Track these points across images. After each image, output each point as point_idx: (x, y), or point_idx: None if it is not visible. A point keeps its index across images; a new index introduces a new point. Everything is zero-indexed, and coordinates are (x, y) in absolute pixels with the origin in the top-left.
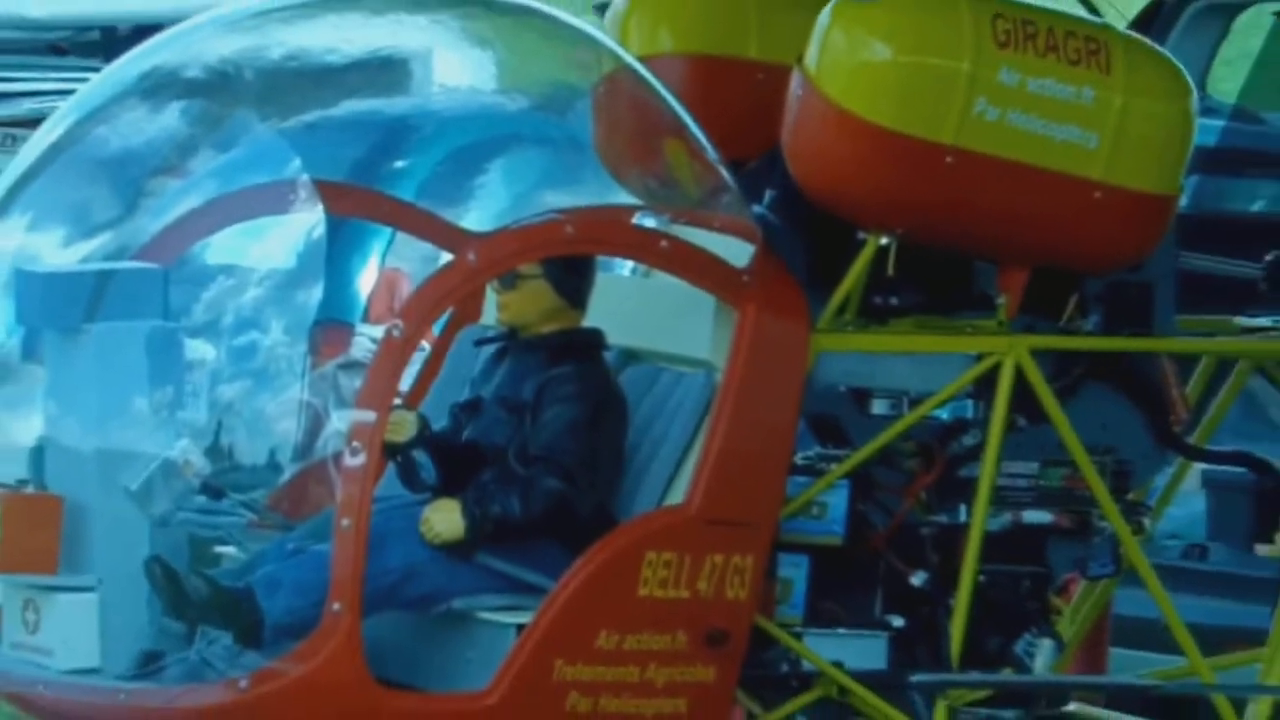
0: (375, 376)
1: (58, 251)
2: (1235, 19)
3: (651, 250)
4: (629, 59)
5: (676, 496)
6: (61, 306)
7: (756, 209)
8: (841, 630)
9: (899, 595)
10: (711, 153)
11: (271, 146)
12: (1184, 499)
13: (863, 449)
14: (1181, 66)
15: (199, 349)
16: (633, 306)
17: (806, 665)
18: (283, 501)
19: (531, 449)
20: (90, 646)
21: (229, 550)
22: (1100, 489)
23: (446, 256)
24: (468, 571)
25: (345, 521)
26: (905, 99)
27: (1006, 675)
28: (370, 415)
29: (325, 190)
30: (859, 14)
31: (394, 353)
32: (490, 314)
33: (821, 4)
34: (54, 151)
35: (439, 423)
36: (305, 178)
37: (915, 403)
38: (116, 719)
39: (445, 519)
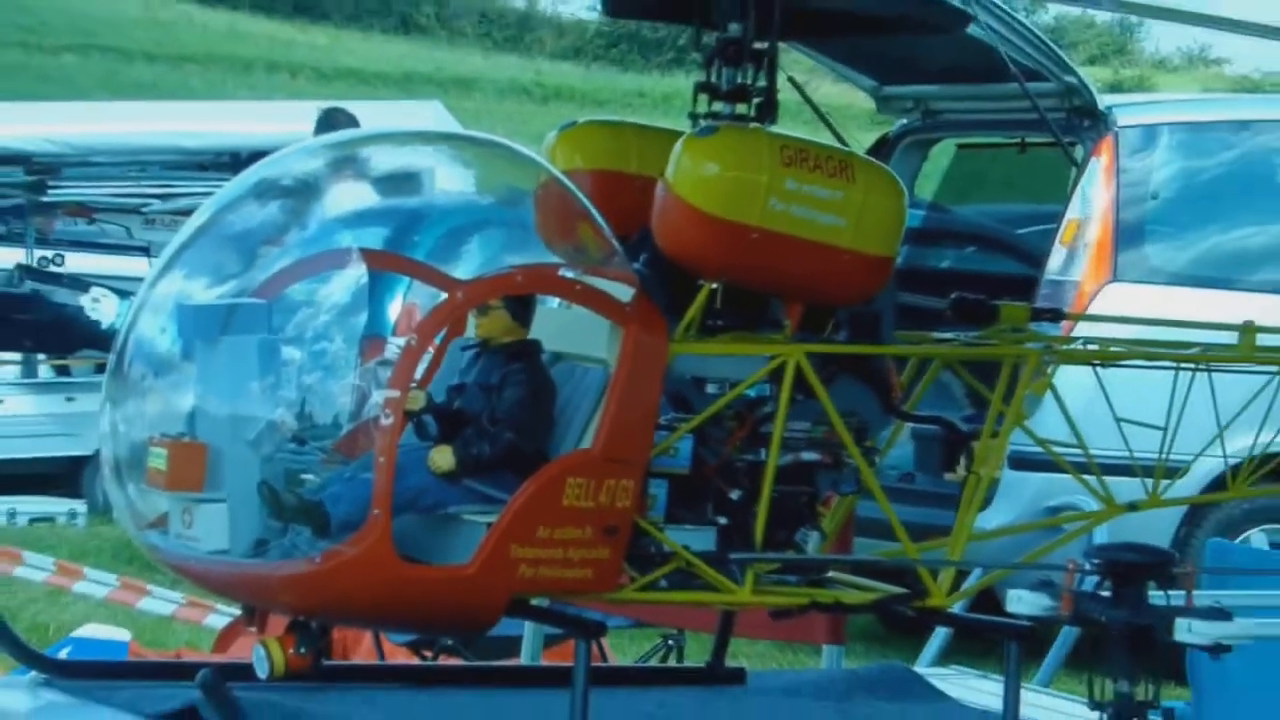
0: (399, 369)
1: (203, 292)
2: (932, 149)
3: (571, 291)
4: (556, 172)
5: (586, 443)
6: (205, 326)
7: (635, 266)
8: (687, 526)
9: (723, 505)
10: (607, 231)
11: (335, 226)
12: (900, 445)
13: (701, 414)
14: (898, 176)
15: (290, 353)
16: (559, 326)
17: (666, 548)
18: (342, 447)
19: (497, 415)
20: (222, 536)
21: (309, 478)
22: (847, 439)
23: (443, 295)
24: (457, 491)
25: (381, 459)
26: (727, 197)
27: (790, 555)
28: (396, 393)
29: (368, 255)
30: (699, 144)
31: (411, 355)
32: (471, 331)
33: (675, 138)
34: (199, 231)
35: (439, 398)
36: (356, 247)
37: (733, 386)
38: (239, 581)
39: (443, 458)
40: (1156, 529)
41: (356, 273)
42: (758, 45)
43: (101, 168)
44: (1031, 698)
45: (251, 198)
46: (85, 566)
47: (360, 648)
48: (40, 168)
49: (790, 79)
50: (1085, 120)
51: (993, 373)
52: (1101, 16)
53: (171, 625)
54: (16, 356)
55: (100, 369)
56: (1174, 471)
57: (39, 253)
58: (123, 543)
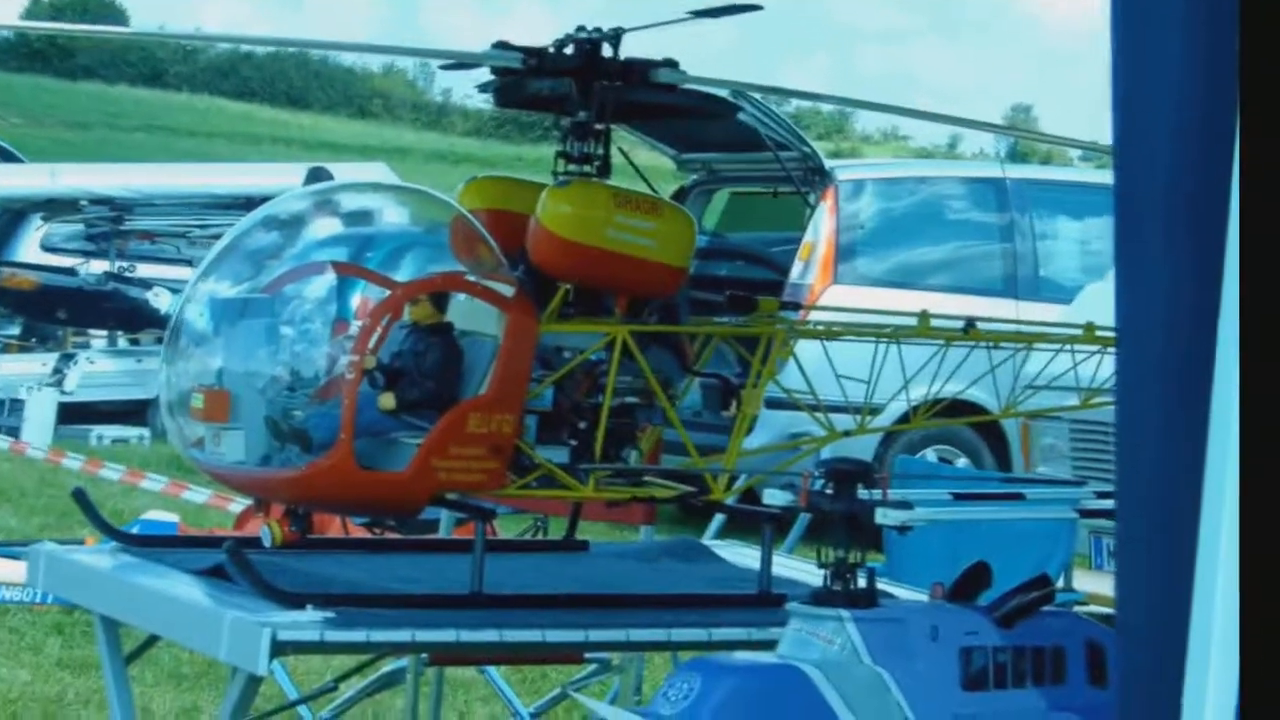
0: (358, 341)
1: (227, 290)
2: (714, 195)
3: (473, 289)
4: (464, 211)
5: (483, 391)
6: (229, 313)
7: (515, 274)
8: (549, 445)
9: (574, 432)
10: (497, 250)
11: (315, 246)
12: (692, 394)
13: (558, 372)
14: (691, 213)
15: (285, 331)
16: (465, 312)
17: (535, 460)
18: (321, 394)
19: (424, 372)
20: (240, 452)
21: (298, 413)
22: (657, 388)
23: (388, 292)
24: (397, 423)
25: (345, 401)
26: (577, 227)
27: (619, 465)
28: (356, 357)
29: (337, 266)
30: (558, 192)
31: (366, 332)
32: (407, 315)
33: (542, 188)
34: (224, 250)
35: (385, 361)
36: (329, 260)
37: (580, 353)
38: (251, 482)
39: (387, 401)
40: (863, 449)
41: (329, 277)
42: (597, 127)
43: (160, 207)
44: (779, 560)
45: (259, 228)
46: (147, 472)
47: (332, 526)
48: (120, 206)
49: (619, 149)
50: (816, 176)
51: (754, 344)
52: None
53: (206, 511)
54: (104, 333)
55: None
56: (875, 410)
57: (119, 263)
58: (173, 457)
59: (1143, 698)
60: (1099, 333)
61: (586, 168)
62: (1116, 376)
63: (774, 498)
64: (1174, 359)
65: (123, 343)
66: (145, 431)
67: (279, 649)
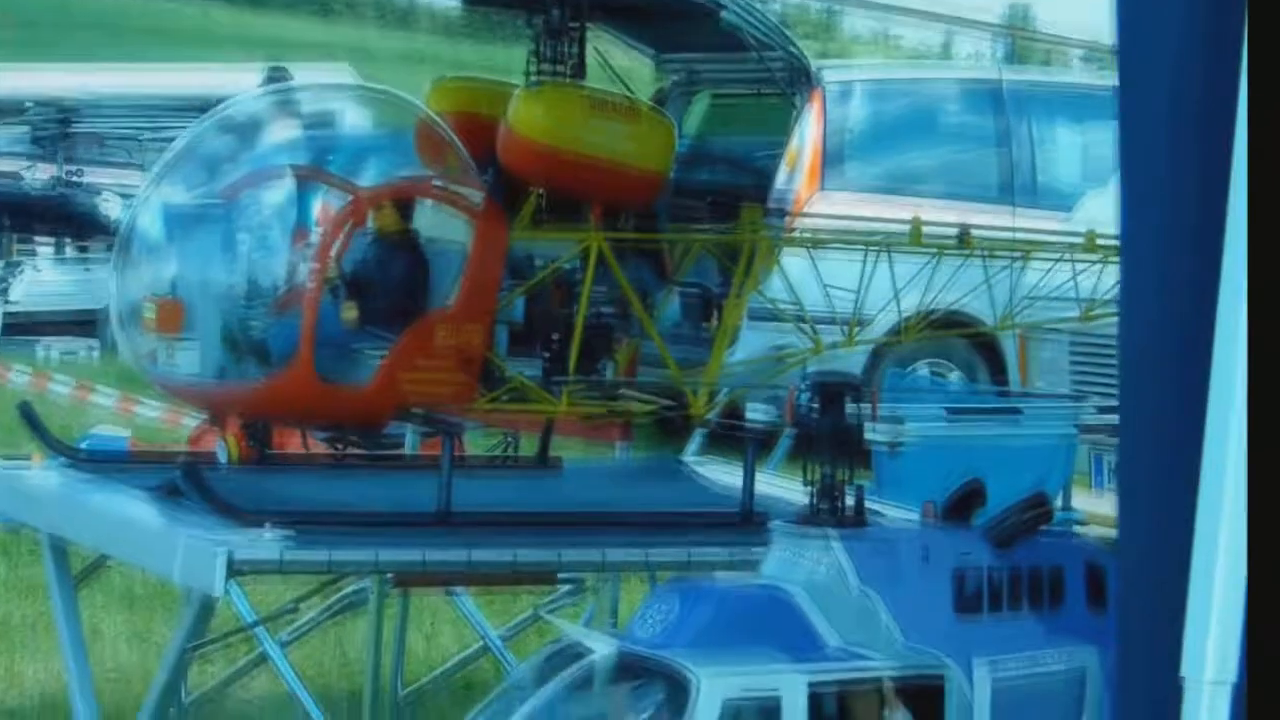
0: (319, 250)
1: (182, 196)
2: (695, 98)
3: (439, 195)
4: (431, 114)
5: (451, 302)
6: (184, 220)
7: (484, 179)
8: (520, 359)
9: (547, 345)
10: (466, 155)
11: (274, 150)
12: (671, 304)
13: (530, 282)
14: (670, 117)
15: (243, 239)
16: (432, 220)
17: (508, 375)
18: (280, 304)
19: (389, 282)
20: (195, 365)
21: (257, 324)
22: (634, 300)
23: (350, 198)
24: (360, 335)
25: (306, 311)
26: (549, 131)
27: (594, 379)
28: (317, 266)
29: (296, 171)
30: (530, 94)
31: (326, 240)
32: (370, 223)
33: (513, 90)
34: (179, 154)
35: (347, 271)
36: (289, 164)
37: (553, 262)
38: (206, 396)
39: (350, 312)
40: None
41: (288, 183)
42: (571, 26)
43: (110, 110)
44: (762, 479)
45: (215, 131)
46: (97, 386)
47: (291, 443)
48: (68, 109)
49: (595, 49)
50: (802, 79)
51: (737, 254)
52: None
53: (159, 428)
54: (51, 241)
55: (109, 250)
56: (863, 323)
57: (67, 169)
58: (125, 370)
59: (1144, 622)
60: (1100, 242)
61: (560, 69)
62: (1118, 288)
63: (758, 413)
64: (1179, 270)
65: (71, 252)
66: (95, 344)
67: (235, 570)
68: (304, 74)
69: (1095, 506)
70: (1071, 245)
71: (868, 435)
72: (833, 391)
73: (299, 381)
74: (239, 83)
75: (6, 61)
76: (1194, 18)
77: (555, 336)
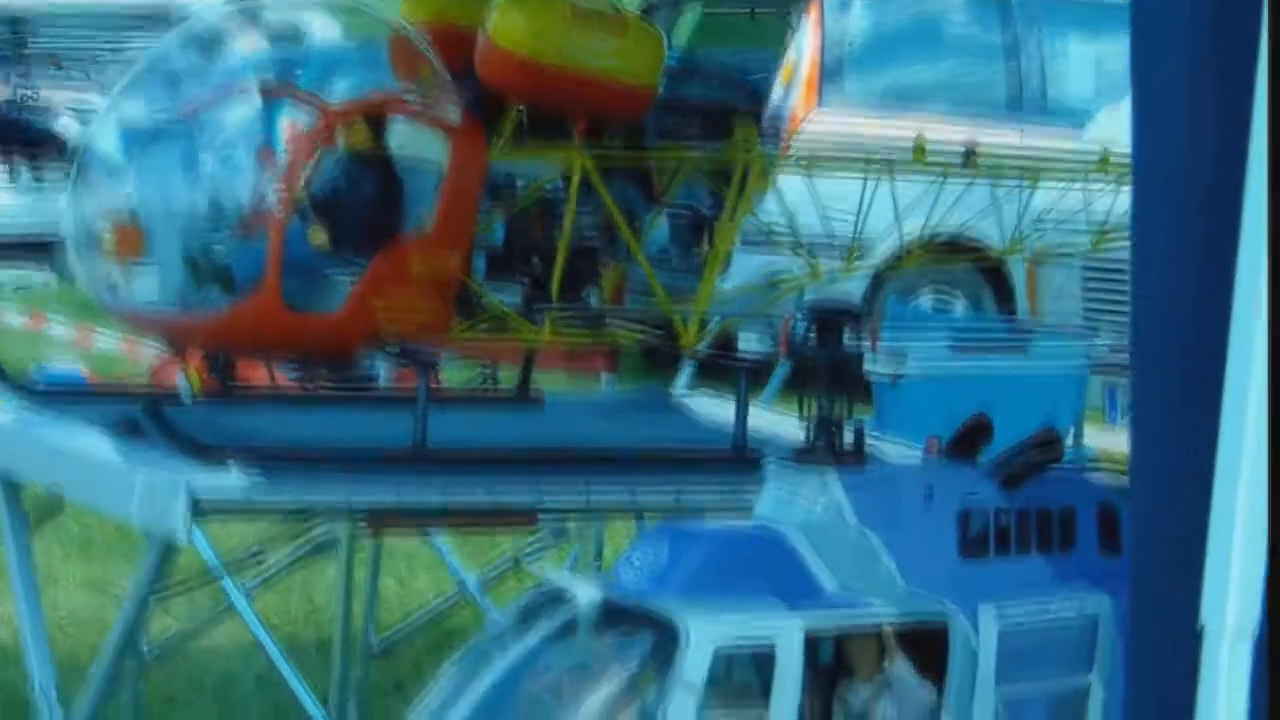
0: (287, 170)
1: (142, 115)
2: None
3: (413, 112)
4: (405, 25)
5: (427, 225)
6: (144, 140)
7: (461, 95)
8: (500, 285)
9: (528, 271)
10: (441, 68)
11: (239, 65)
12: (659, 227)
13: (513, 202)
14: (658, 29)
15: (206, 159)
16: (406, 138)
17: (487, 302)
18: (245, 227)
19: (360, 204)
20: (155, 294)
21: (220, 249)
22: (621, 223)
23: (319, 115)
24: (330, 260)
25: (272, 234)
26: (530, 42)
27: (578, 307)
28: (283, 187)
29: (263, 87)
30: (511, 3)
31: (294, 158)
32: (341, 142)
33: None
34: (138, 72)
35: (316, 192)
36: (254, 81)
37: (535, 183)
38: (167, 326)
39: (318, 236)
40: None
41: (254, 100)
42: None
43: (66, 25)
44: (756, 414)
45: (177, 46)
46: (52, 317)
47: (257, 376)
48: (21, 25)
49: None
50: None
51: (729, 175)
52: None
53: (117, 360)
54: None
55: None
56: (864, 248)
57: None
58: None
59: (1160, 567)
60: (1115, 161)
61: None
62: (1132, 212)
63: (751, 344)
64: (1197, 193)
65: (26, 175)
66: (50, 273)
67: (198, 511)
68: None
69: (1109, 443)
70: (1084, 164)
71: (868, 367)
72: (831, 320)
73: (265, 310)
74: None
75: None
76: None
77: (537, 261)
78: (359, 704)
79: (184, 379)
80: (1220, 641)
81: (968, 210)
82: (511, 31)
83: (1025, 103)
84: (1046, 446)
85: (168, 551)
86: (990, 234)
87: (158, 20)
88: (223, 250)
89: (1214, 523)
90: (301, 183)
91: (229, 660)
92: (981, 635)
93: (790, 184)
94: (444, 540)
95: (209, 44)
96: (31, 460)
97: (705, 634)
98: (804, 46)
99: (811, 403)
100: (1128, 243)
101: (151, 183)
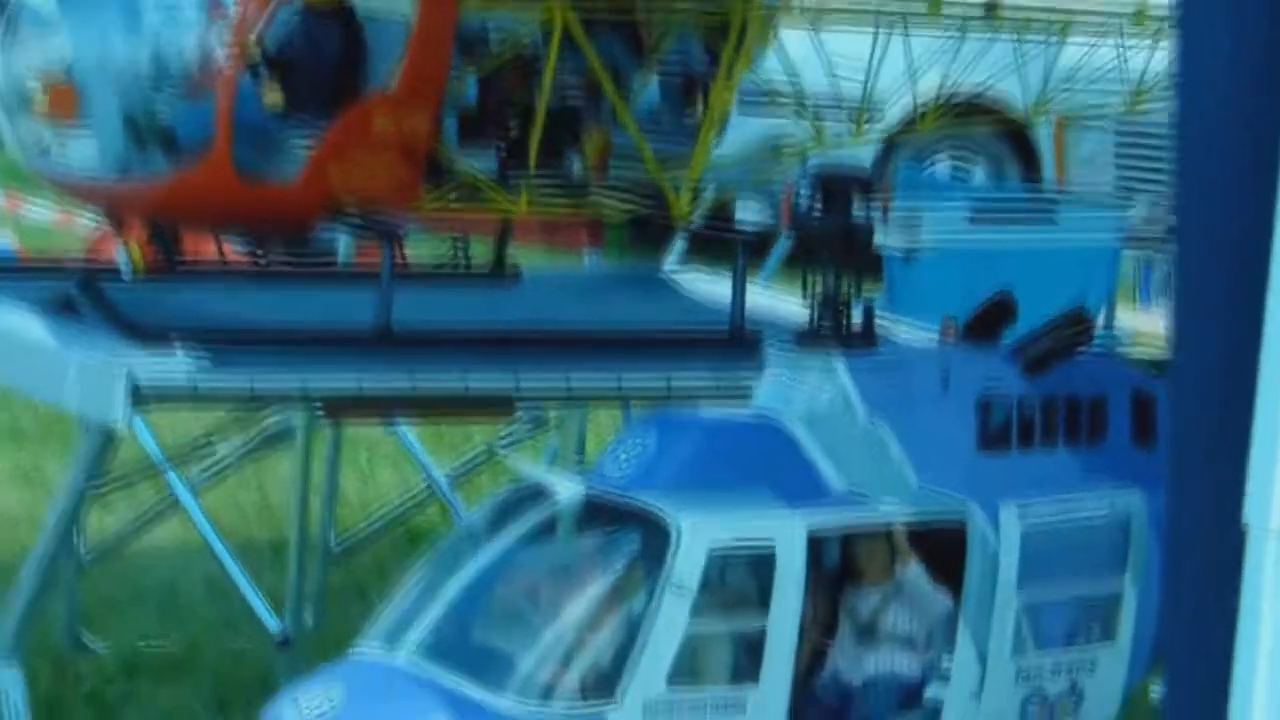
0: (238, 26)
1: None
2: None
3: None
4: None
5: (392, 85)
6: None
7: None
8: (473, 150)
9: (504, 135)
10: None
11: None
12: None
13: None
14: None
15: (149, 12)
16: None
17: (459, 169)
18: (192, 86)
19: (319, 60)
20: (93, 159)
21: (164, 110)
22: (606, 82)
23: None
24: (286, 123)
25: (222, 94)
26: None
27: (560, 175)
28: (234, 43)
29: None
30: None
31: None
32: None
33: None
34: None
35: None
36: None
37: (512, 37)
38: (105, 194)
39: (273, 96)
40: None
41: None
42: None
43: None
44: (755, 292)
45: None
46: None
47: (205, 250)
48: None
49: None
50: None
51: (725, 30)
52: None
53: (51, 232)
54: None
55: None
56: (875, 109)
57: None
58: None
59: (1200, 461)
60: (1153, 15)
61: None
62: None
63: (749, 211)
64: (1244, 49)
65: None
66: None
67: (139, 398)
68: None
69: (1143, 324)
70: (1119, 18)
71: (878, 240)
72: (838, 188)
73: (214, 176)
74: None
75: None
76: None
77: (513, 125)
78: (316, 611)
79: (124, 253)
80: (1264, 540)
81: (989, 68)
82: None
83: None
84: (1075, 328)
85: (106, 441)
86: (1014, 94)
87: None
88: (167, 111)
89: (1260, 412)
90: (254, 36)
91: (174, 562)
92: (1002, 536)
93: (793, 38)
94: (410, 431)
95: None
96: None
97: (698, 533)
98: None
99: (816, 280)
100: (1165, 103)
101: (88, 36)
